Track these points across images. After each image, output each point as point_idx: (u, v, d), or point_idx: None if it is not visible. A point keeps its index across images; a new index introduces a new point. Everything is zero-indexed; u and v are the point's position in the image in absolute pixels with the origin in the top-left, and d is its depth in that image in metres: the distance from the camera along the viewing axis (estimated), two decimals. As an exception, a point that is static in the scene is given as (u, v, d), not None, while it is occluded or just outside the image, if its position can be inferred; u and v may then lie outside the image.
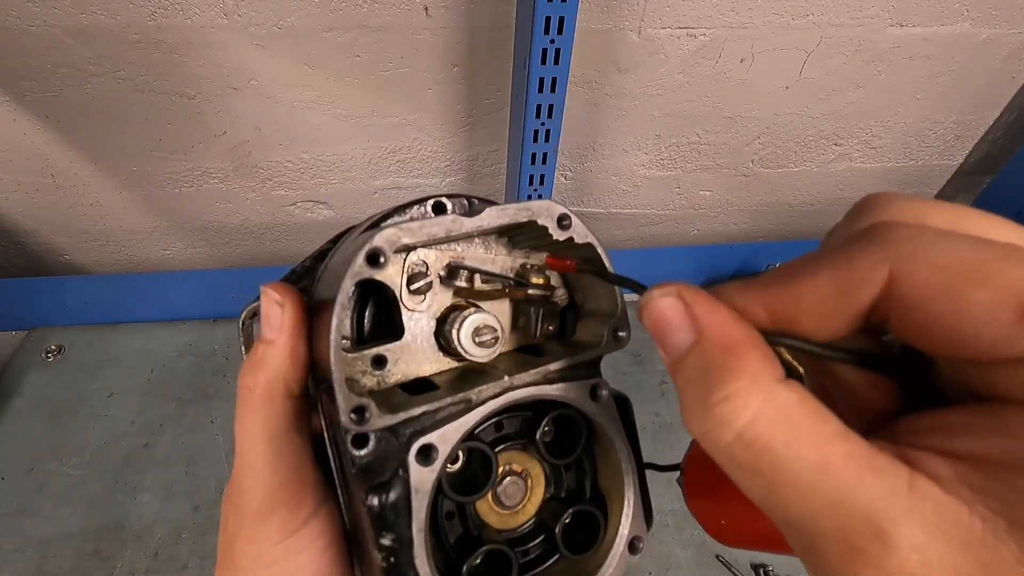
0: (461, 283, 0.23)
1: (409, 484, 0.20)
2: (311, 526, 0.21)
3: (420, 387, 0.22)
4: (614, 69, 0.76)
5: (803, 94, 0.83)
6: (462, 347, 0.22)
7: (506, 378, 0.22)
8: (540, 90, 0.61)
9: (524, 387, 0.22)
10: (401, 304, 0.23)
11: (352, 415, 0.19)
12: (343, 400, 0.19)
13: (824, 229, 0.82)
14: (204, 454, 0.64)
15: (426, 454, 0.20)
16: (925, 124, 0.91)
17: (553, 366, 0.23)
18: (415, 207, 0.23)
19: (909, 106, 0.87)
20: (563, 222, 0.22)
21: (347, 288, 0.19)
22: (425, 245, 0.22)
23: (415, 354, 0.23)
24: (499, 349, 0.23)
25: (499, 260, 0.24)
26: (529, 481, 0.24)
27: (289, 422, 0.21)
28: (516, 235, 0.24)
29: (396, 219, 0.22)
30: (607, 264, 0.23)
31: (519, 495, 0.24)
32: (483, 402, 0.21)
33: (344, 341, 0.23)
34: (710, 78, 0.78)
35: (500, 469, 0.23)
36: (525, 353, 0.24)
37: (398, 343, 0.23)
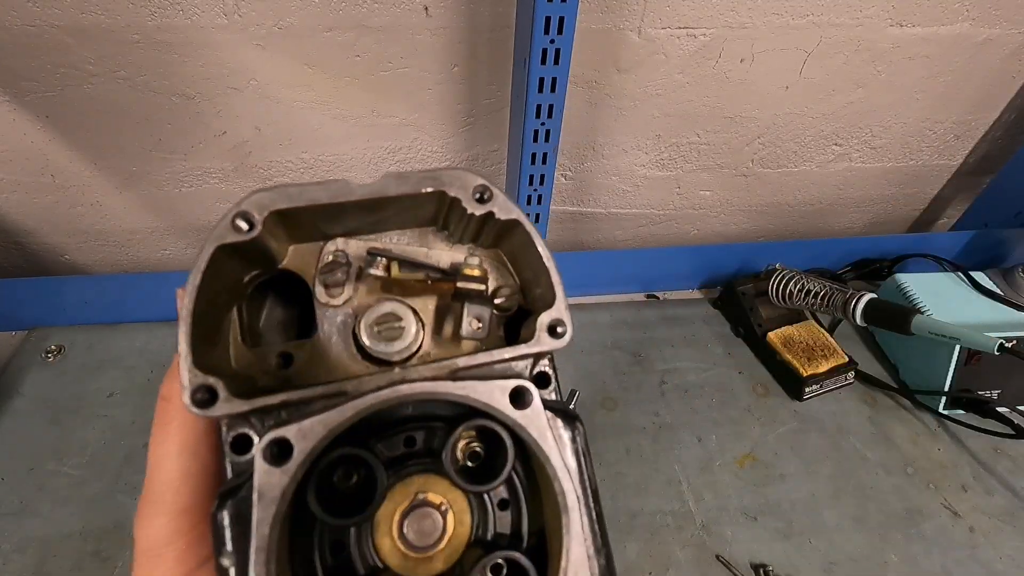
0: (377, 271, 0.20)
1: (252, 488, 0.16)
2: (210, 567, 0.17)
3: None
4: (614, 69, 0.76)
5: (803, 94, 0.83)
6: (363, 340, 0.19)
7: (396, 370, 0.18)
8: (540, 90, 0.61)
9: (419, 381, 0.17)
10: (314, 298, 0.20)
11: (195, 394, 0.16)
12: (186, 376, 0.16)
13: (824, 229, 0.82)
14: (204, 454, 0.64)
15: (277, 451, 0.16)
16: (925, 124, 0.91)
17: (463, 361, 0.19)
18: None
19: (909, 106, 0.87)
20: (481, 195, 0.19)
21: (206, 253, 0.17)
22: (309, 212, 0.19)
23: (328, 355, 0.20)
24: (408, 345, 0.19)
25: (435, 255, 0.21)
26: (449, 518, 0.19)
27: (201, 438, 0.18)
28: (450, 223, 0.21)
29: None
30: (538, 245, 0.20)
31: (433, 534, 0.18)
32: (361, 395, 0.17)
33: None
34: (710, 78, 0.78)
35: (412, 498, 0.19)
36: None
37: (309, 341, 0.20)
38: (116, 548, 0.56)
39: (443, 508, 0.19)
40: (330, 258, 0.20)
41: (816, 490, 0.64)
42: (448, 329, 0.21)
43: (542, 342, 0.19)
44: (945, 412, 0.71)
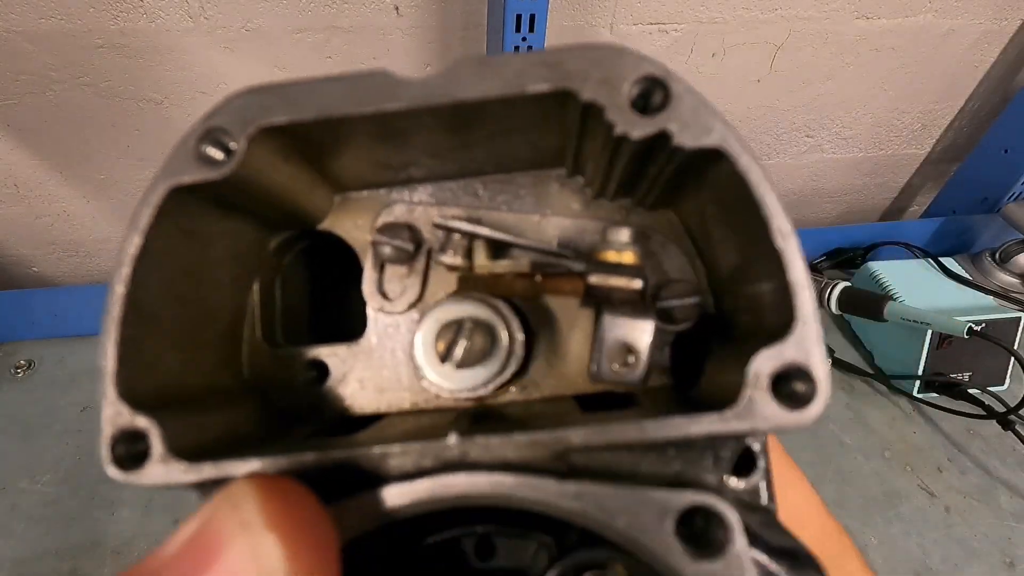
0: (453, 259, 0.12)
1: None
2: None
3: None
4: (588, 66, 0.76)
5: (774, 87, 0.84)
6: (418, 363, 0.12)
7: (452, 439, 0.10)
8: (514, 88, 0.61)
9: (488, 472, 0.10)
10: (364, 285, 0.14)
11: (114, 444, 0.10)
12: (105, 411, 0.10)
13: (799, 220, 0.83)
14: (183, 466, 0.62)
15: None
16: (893, 114, 0.93)
17: (579, 437, 0.10)
18: None
19: (877, 97, 0.89)
20: (647, 96, 0.10)
21: (152, 199, 0.10)
22: (335, 133, 0.11)
23: (379, 369, 0.14)
24: (494, 375, 0.12)
25: (554, 226, 0.13)
26: None
27: None
28: (585, 162, 0.13)
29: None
30: (762, 198, 0.10)
31: None
32: (386, 479, 0.10)
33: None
34: (683, 73, 0.78)
35: None
36: (592, 407, 0.12)
37: (353, 345, 0.14)
38: (93, 566, 0.54)
39: None
40: (390, 219, 0.13)
41: (797, 477, 0.65)
42: (568, 345, 0.13)
43: (761, 410, 0.10)
44: (919, 396, 0.72)
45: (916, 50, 0.84)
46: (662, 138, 0.10)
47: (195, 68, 0.66)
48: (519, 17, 0.56)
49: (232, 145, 0.11)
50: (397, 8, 0.66)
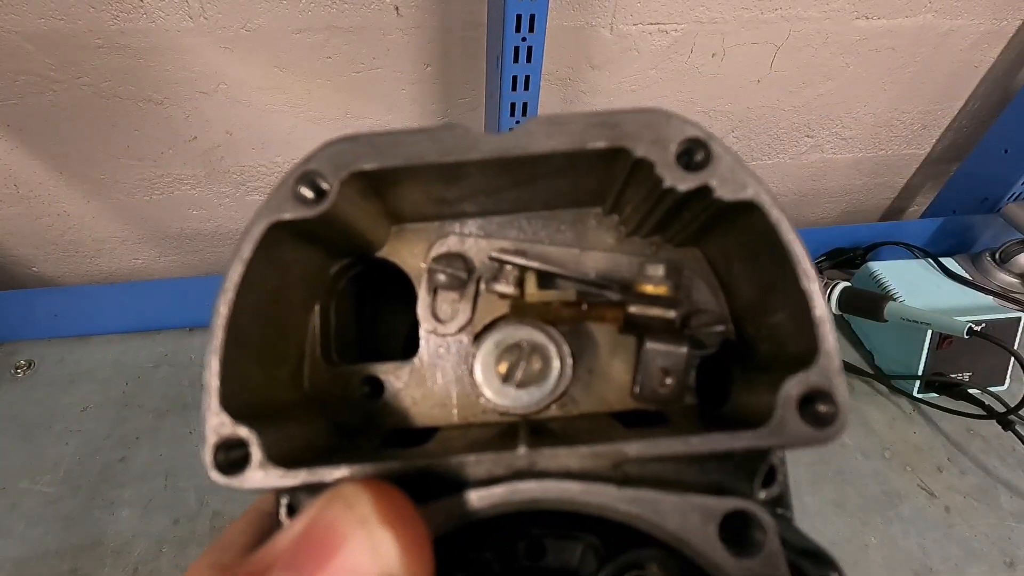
0: (505, 288, 0.14)
1: None
2: None
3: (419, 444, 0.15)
4: (587, 66, 0.76)
5: (774, 87, 0.84)
6: (479, 383, 0.14)
7: (522, 450, 0.12)
8: (514, 88, 0.61)
9: (558, 479, 0.11)
10: (418, 307, 0.15)
11: (217, 452, 0.12)
12: (210, 420, 0.12)
13: (799, 220, 0.83)
14: (183, 465, 0.62)
15: None
16: (893, 114, 0.93)
17: (635, 449, 0.11)
18: None
19: (877, 97, 0.89)
20: (690, 155, 0.12)
21: (254, 233, 0.12)
22: (411, 176, 0.13)
23: (431, 388, 0.15)
24: (548, 394, 0.14)
25: (593, 260, 0.14)
26: None
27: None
28: (624, 204, 0.14)
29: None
30: (792, 249, 0.12)
31: None
32: (462, 487, 0.12)
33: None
34: (683, 73, 0.79)
35: None
36: (625, 423, 0.14)
37: (406, 364, 0.15)
38: (93, 566, 0.54)
39: None
40: (444, 249, 0.15)
41: (797, 477, 0.65)
42: (606, 367, 0.14)
43: (790, 428, 0.11)
44: (919, 396, 0.72)
45: (916, 50, 0.84)
46: (703, 191, 0.12)
47: (195, 68, 0.66)
48: (519, 17, 0.56)
49: (324, 186, 0.12)
50: (397, 8, 0.66)
